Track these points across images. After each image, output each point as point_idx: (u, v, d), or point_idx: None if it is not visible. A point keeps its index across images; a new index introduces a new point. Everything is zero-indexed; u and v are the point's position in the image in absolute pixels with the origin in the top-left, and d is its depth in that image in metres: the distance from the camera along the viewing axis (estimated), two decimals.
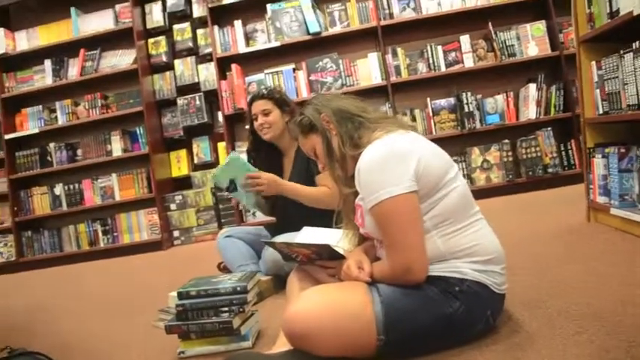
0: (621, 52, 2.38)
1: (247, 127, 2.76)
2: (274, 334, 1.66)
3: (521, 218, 3.38)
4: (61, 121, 4.88)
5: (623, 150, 2.46)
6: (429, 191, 1.42)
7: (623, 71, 2.40)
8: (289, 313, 1.41)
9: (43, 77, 4.93)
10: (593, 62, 2.71)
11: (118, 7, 4.83)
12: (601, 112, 2.68)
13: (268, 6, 4.60)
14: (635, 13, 2.20)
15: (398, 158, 1.41)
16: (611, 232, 2.55)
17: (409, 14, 4.53)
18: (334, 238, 1.77)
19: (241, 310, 1.75)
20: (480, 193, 4.30)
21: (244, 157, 2.64)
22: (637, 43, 2.25)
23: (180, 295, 1.76)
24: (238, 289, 1.75)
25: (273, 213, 2.66)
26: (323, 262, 1.67)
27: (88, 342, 2.19)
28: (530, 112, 4.41)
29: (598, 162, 2.70)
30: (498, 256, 1.49)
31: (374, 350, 1.39)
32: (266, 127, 2.59)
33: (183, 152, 5.03)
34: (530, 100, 4.40)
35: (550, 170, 4.30)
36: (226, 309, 1.74)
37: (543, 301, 1.73)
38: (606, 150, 2.61)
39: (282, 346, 1.49)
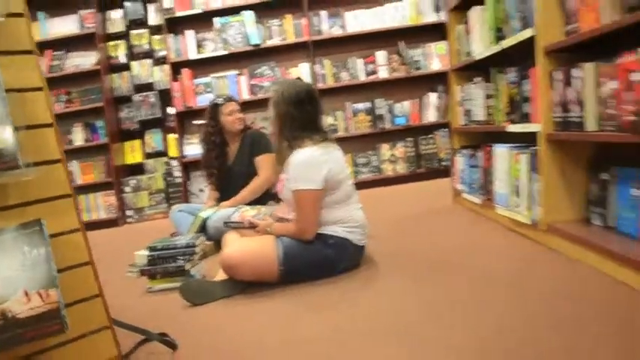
0: (472, 82, 3.29)
1: (203, 123, 3.67)
2: (214, 276, 2.43)
3: (409, 200, 4.27)
4: None
5: (472, 152, 3.36)
6: (327, 189, 2.26)
7: (472, 96, 3.31)
8: (224, 253, 2.26)
9: None
10: (459, 87, 3.61)
11: (82, 12, 5.33)
12: (462, 123, 3.58)
13: (216, 19, 5.25)
14: (477, 58, 3.10)
15: (317, 165, 2.24)
16: (464, 211, 3.47)
17: (336, 31, 5.27)
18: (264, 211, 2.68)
19: (191, 258, 2.55)
20: (387, 181, 5.23)
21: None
22: (478, 78, 3.15)
23: (151, 249, 2.54)
24: (189, 244, 2.56)
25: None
26: (256, 222, 2.48)
27: None
28: (430, 116, 5.26)
29: (459, 159, 3.61)
30: (362, 225, 2.37)
31: (277, 276, 2.24)
32: (241, 120, 3.53)
33: (137, 142, 5.63)
34: (431, 106, 5.26)
35: (444, 163, 5.17)
36: (181, 257, 2.53)
37: (395, 254, 2.63)
38: (463, 151, 3.52)
39: (220, 277, 2.32)
